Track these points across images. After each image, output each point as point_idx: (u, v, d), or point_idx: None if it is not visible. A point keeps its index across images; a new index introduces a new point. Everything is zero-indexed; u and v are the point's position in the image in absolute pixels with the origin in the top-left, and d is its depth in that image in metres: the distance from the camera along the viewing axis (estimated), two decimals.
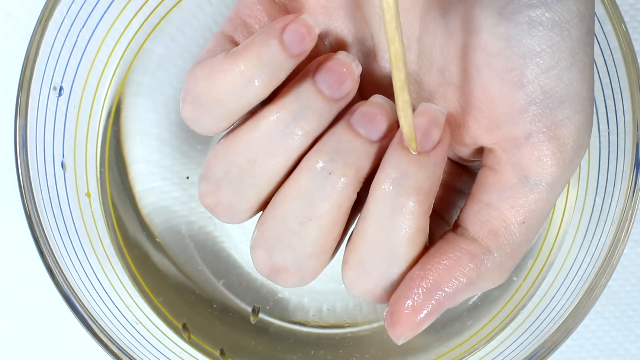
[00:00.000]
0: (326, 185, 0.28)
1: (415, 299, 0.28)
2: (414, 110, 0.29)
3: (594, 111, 0.37)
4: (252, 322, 0.39)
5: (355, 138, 0.29)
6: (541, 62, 0.27)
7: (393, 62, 0.26)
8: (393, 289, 0.29)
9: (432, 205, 0.29)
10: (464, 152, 0.30)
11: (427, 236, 0.29)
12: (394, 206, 0.28)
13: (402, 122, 0.28)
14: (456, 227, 0.30)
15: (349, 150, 0.28)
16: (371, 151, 0.29)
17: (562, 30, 0.26)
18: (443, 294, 0.28)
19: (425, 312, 0.28)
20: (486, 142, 0.29)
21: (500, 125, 0.28)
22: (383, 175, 0.28)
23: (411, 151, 0.28)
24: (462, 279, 0.28)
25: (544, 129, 0.27)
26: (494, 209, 0.28)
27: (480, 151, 0.30)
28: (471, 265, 0.28)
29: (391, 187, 0.28)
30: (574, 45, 0.27)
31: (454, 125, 0.29)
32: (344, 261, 0.30)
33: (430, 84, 0.30)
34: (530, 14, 0.26)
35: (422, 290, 0.28)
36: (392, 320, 0.29)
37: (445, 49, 0.29)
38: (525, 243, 0.29)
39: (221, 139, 0.30)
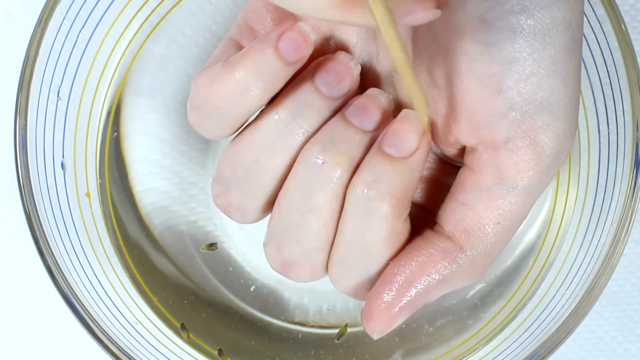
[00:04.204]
0: (321, 175, 0.29)
1: (389, 295, 0.29)
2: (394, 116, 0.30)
3: (594, 111, 0.37)
4: None
5: (348, 128, 0.29)
6: (521, 69, 0.27)
7: (402, 68, 0.27)
8: (372, 286, 0.30)
9: (407, 209, 0.29)
10: (450, 152, 0.31)
11: (406, 236, 0.30)
12: (367, 209, 0.28)
13: (418, 112, 0.29)
14: (434, 224, 0.30)
15: (342, 139, 0.29)
16: (364, 141, 0.29)
17: (544, 37, 0.27)
18: (415, 290, 0.29)
19: (398, 307, 0.29)
20: (467, 143, 0.29)
21: (480, 129, 0.28)
22: (359, 177, 0.29)
23: (428, 138, 0.29)
24: (434, 276, 0.29)
25: (523, 135, 0.28)
26: (469, 209, 0.29)
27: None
28: (444, 263, 0.29)
29: (365, 191, 0.28)
30: (556, 53, 0.27)
31: (438, 126, 0.30)
32: (329, 258, 0.30)
33: (422, 85, 0.30)
34: (512, 21, 0.26)
35: (395, 286, 0.29)
36: (367, 315, 0.29)
37: (430, 52, 0.29)
38: (500, 243, 0.29)
39: (230, 141, 0.31)
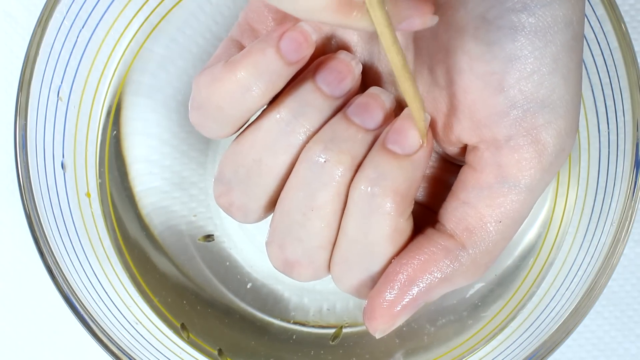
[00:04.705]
0: (323, 174, 0.29)
1: (391, 293, 0.29)
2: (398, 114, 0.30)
3: (594, 111, 0.37)
4: None
5: (350, 127, 0.29)
6: (522, 67, 0.27)
7: (398, 71, 0.27)
8: (374, 285, 0.30)
9: (411, 206, 0.29)
10: (452, 150, 0.31)
11: (409, 234, 0.30)
12: (371, 206, 0.28)
13: (414, 116, 0.28)
14: (435, 222, 0.30)
15: (344, 138, 0.29)
16: (367, 139, 0.29)
17: (545, 35, 0.27)
18: (417, 289, 0.29)
19: (400, 306, 0.29)
20: (469, 141, 0.29)
21: (481, 127, 0.28)
22: (362, 175, 0.29)
23: (423, 144, 0.29)
24: (436, 274, 0.29)
25: (524, 133, 0.28)
26: (470, 207, 0.29)
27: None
28: (446, 261, 0.29)
29: (369, 187, 0.28)
30: (558, 50, 0.27)
31: (440, 125, 0.30)
32: (331, 257, 0.30)
33: (423, 84, 0.30)
34: (513, 19, 0.26)
35: (397, 285, 0.29)
36: (370, 314, 0.29)
37: (431, 51, 0.29)
38: (502, 241, 0.29)
39: (232, 141, 0.31)
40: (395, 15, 0.25)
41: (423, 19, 0.26)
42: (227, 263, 0.40)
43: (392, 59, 0.26)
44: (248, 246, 0.40)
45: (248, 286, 0.40)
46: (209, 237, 0.40)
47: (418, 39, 0.30)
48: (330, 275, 0.31)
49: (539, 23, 0.26)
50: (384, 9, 0.24)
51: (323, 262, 0.30)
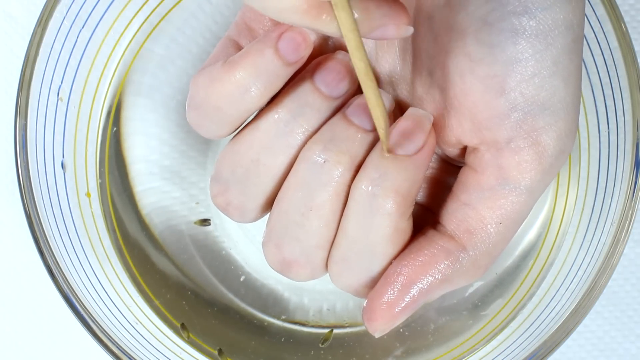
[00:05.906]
0: (322, 174, 0.29)
1: (391, 294, 0.29)
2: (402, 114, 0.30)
3: (594, 111, 0.37)
4: None
5: (349, 127, 0.29)
6: (523, 70, 0.27)
7: (361, 77, 0.26)
8: (374, 285, 0.30)
9: (412, 207, 0.29)
10: (452, 152, 0.31)
11: (409, 235, 0.30)
12: (372, 206, 0.28)
13: (375, 123, 0.28)
14: (436, 223, 0.30)
15: (343, 138, 0.29)
16: (365, 140, 0.29)
17: (546, 38, 0.27)
18: (417, 290, 0.29)
19: (400, 307, 0.29)
20: (469, 143, 0.29)
21: (482, 129, 0.28)
22: (363, 174, 0.29)
23: (384, 152, 0.28)
24: (436, 275, 0.29)
25: (525, 135, 0.28)
26: (471, 209, 0.29)
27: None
28: (446, 262, 0.29)
29: (370, 187, 0.28)
30: (558, 53, 0.27)
31: (440, 126, 0.30)
32: (330, 255, 0.30)
33: (422, 85, 0.30)
34: (514, 22, 0.26)
35: (397, 286, 0.29)
36: (369, 314, 0.30)
37: (431, 52, 0.29)
38: (502, 242, 0.29)
39: (229, 140, 0.31)
40: (368, 22, 0.25)
41: (397, 29, 0.26)
42: (227, 263, 0.40)
43: (356, 64, 0.26)
44: (248, 246, 0.40)
45: (241, 279, 0.40)
46: (205, 222, 0.40)
47: (418, 40, 0.30)
48: (327, 275, 0.31)
49: (539, 26, 0.26)
50: (350, 11, 0.24)
51: (320, 261, 0.30)
